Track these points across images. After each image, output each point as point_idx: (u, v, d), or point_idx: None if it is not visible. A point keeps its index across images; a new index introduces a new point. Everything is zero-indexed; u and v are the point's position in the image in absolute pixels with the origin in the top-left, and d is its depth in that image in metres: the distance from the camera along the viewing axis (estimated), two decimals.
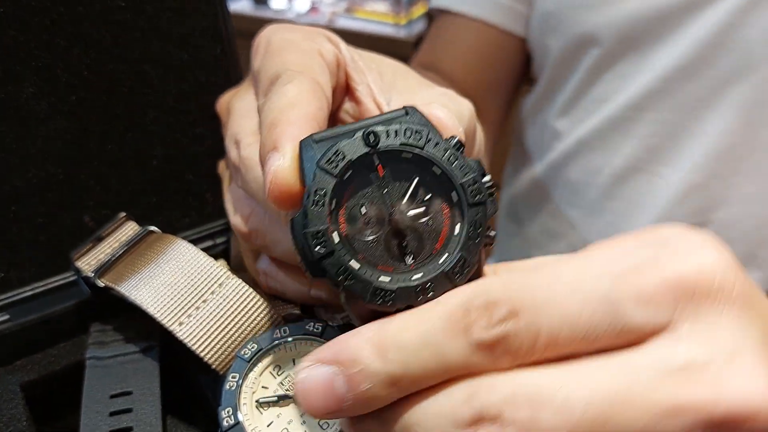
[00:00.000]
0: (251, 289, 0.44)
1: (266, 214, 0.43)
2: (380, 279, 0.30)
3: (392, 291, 0.29)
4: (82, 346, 0.48)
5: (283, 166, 0.32)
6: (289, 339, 0.42)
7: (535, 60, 0.92)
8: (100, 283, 0.47)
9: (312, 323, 0.42)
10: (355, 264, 0.30)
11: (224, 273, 0.44)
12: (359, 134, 0.31)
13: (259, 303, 0.44)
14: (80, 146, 0.52)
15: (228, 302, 0.43)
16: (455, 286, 0.30)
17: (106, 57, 0.51)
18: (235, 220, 0.45)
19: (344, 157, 0.30)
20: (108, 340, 0.47)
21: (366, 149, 0.31)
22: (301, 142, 0.32)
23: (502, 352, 0.27)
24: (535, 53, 0.91)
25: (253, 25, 1.67)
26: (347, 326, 0.44)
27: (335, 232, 0.30)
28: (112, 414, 0.42)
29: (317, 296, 0.44)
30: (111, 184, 0.54)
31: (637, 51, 0.79)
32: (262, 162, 0.34)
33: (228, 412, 0.40)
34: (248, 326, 0.43)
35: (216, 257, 0.48)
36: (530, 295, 0.27)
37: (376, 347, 0.28)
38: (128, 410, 0.43)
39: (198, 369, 0.45)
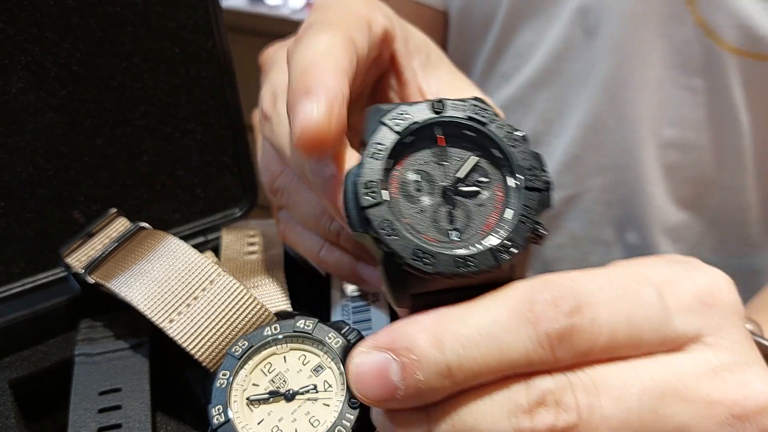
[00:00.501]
0: (242, 287, 0.44)
1: (294, 177, 0.43)
2: (422, 244, 0.29)
3: (433, 254, 0.28)
4: (71, 342, 0.48)
5: (315, 112, 0.32)
6: (280, 336, 0.42)
7: (451, 36, 0.92)
8: (90, 280, 0.46)
9: (303, 321, 0.42)
10: (399, 224, 0.29)
11: (215, 270, 0.44)
12: (427, 102, 0.31)
13: (251, 300, 0.44)
14: (70, 140, 0.51)
15: (219, 299, 0.43)
16: (499, 266, 0.29)
17: (96, 51, 0.51)
18: (265, 175, 0.45)
19: (409, 117, 0.30)
20: (97, 336, 0.47)
21: (432, 114, 0.30)
22: (368, 108, 0.32)
23: (566, 348, 0.27)
24: (452, 29, 0.92)
25: (248, 21, 1.66)
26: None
27: (385, 190, 0.29)
28: (101, 411, 0.42)
29: (326, 258, 0.44)
30: (101, 178, 0.53)
31: (531, 28, 0.82)
32: (291, 108, 0.33)
33: (218, 409, 0.39)
34: (239, 323, 0.43)
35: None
36: (593, 293, 0.28)
37: (433, 336, 0.27)
38: (117, 407, 0.42)
39: (188, 366, 0.45)
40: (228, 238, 0.55)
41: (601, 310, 0.28)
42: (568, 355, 0.27)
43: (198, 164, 0.57)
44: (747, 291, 0.81)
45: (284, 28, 1.54)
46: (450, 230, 0.30)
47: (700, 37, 0.71)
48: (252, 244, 0.55)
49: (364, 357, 0.28)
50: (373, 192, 0.29)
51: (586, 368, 0.28)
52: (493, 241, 0.29)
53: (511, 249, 0.29)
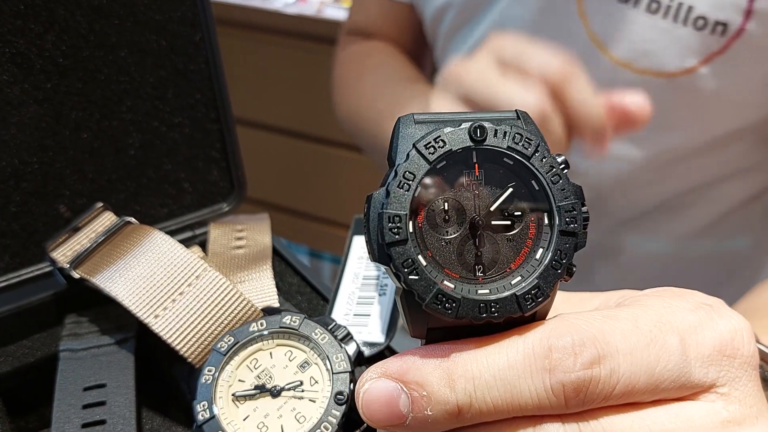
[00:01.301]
0: (229, 282, 0.44)
1: None
2: (444, 283, 0.28)
3: (455, 300, 0.27)
4: (56, 337, 0.48)
5: None
6: (267, 332, 0.42)
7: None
8: (76, 275, 0.46)
9: (290, 316, 0.42)
10: (422, 260, 0.27)
11: (201, 266, 0.44)
12: (466, 125, 0.28)
13: (237, 296, 0.43)
14: (55, 134, 0.51)
15: (205, 295, 0.43)
16: (522, 315, 0.28)
17: (82, 43, 0.50)
18: None
19: (444, 145, 0.28)
20: (83, 332, 0.47)
21: (469, 143, 0.28)
22: (400, 118, 0.30)
23: (581, 398, 0.26)
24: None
25: (239, 14, 1.64)
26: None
27: (411, 221, 0.28)
28: (85, 407, 0.42)
29: None
30: (87, 172, 0.53)
31: (462, 36, 0.83)
32: None
33: (203, 405, 0.39)
34: (225, 319, 0.43)
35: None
36: (616, 342, 0.27)
37: (446, 374, 0.27)
38: (101, 403, 0.42)
39: (174, 362, 0.45)
40: (215, 233, 0.55)
41: (622, 360, 0.27)
42: (582, 404, 0.27)
43: (185, 158, 0.57)
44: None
45: (275, 21, 1.53)
46: (476, 265, 0.28)
47: (592, 49, 0.73)
48: (240, 238, 0.54)
49: (373, 384, 0.28)
50: (398, 227, 0.27)
51: (598, 415, 0.27)
52: (519, 284, 0.28)
53: (538, 298, 0.28)
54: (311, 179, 1.72)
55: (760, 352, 0.38)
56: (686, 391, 0.28)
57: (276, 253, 0.55)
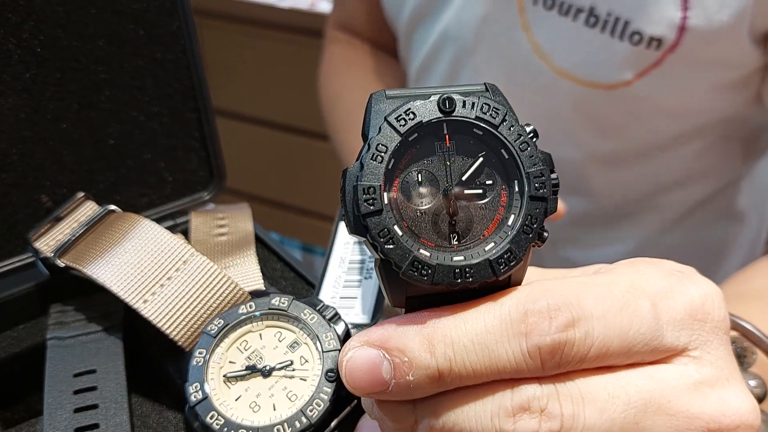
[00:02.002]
0: (216, 266, 0.44)
1: None
2: (420, 251, 0.28)
3: (431, 266, 0.28)
4: (42, 327, 0.48)
5: None
6: (257, 314, 0.42)
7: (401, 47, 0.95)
8: (61, 263, 0.46)
9: (278, 298, 0.43)
10: (398, 230, 0.28)
11: (189, 250, 0.44)
12: (435, 98, 0.29)
13: (225, 279, 0.44)
14: (34, 124, 0.50)
15: (193, 279, 0.43)
16: (497, 279, 0.29)
17: (60, 33, 0.50)
18: None
19: (414, 117, 0.29)
20: (69, 320, 0.47)
21: (439, 114, 0.29)
22: (372, 95, 0.30)
23: (556, 360, 0.27)
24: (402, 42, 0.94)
25: (220, 5, 1.62)
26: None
27: (386, 192, 0.29)
28: (76, 392, 0.42)
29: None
30: (66, 163, 0.52)
31: (417, 40, 0.85)
32: None
33: (195, 387, 0.40)
34: (214, 302, 0.43)
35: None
36: (590, 306, 0.28)
37: (426, 340, 0.28)
38: (93, 388, 0.42)
39: (162, 348, 0.45)
40: (197, 221, 0.55)
41: (596, 324, 0.28)
42: (558, 366, 0.28)
43: (164, 148, 0.57)
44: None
45: (257, 13, 1.52)
46: (450, 233, 0.29)
47: (535, 59, 0.75)
48: (221, 226, 0.55)
49: (356, 352, 0.29)
50: (373, 198, 0.28)
51: (574, 377, 0.28)
52: (492, 249, 0.29)
53: (511, 262, 0.29)
54: (303, 174, 1.72)
55: (740, 327, 0.39)
56: (659, 354, 0.29)
57: (258, 241, 0.56)
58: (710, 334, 0.30)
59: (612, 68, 0.71)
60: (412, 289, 0.29)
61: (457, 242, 0.29)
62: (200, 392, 0.40)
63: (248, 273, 0.48)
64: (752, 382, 0.37)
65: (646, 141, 0.78)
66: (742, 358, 0.38)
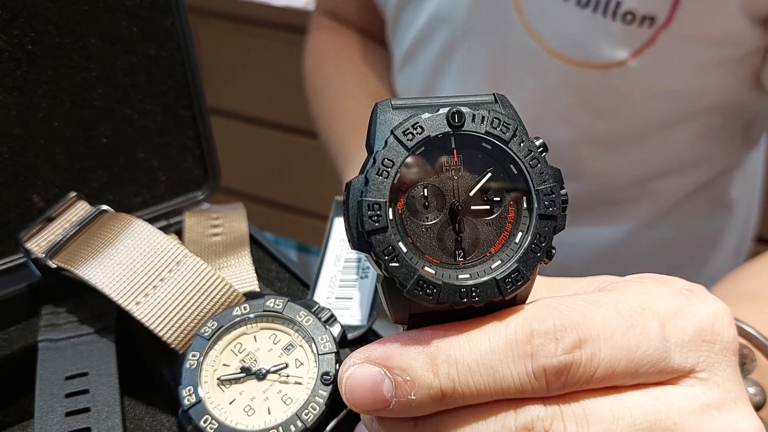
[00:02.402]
0: (210, 267, 0.43)
1: None
2: (425, 269, 0.28)
3: (436, 285, 0.27)
4: (33, 329, 0.47)
5: None
6: (251, 316, 0.42)
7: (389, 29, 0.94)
8: (52, 264, 0.45)
9: (273, 300, 0.42)
10: (402, 246, 0.28)
11: (182, 251, 0.44)
12: (444, 111, 0.28)
13: (219, 281, 0.43)
14: (25, 123, 0.50)
15: (186, 280, 0.43)
16: (503, 298, 0.28)
17: (52, 30, 0.49)
18: None
19: (422, 131, 0.28)
20: (61, 322, 0.46)
21: (447, 128, 0.28)
22: (378, 104, 0.30)
23: (561, 382, 0.27)
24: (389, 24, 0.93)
25: (216, 2, 1.61)
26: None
27: (391, 208, 0.28)
28: (68, 395, 0.41)
29: None
30: (58, 162, 0.52)
31: (406, 19, 0.84)
32: None
33: (189, 390, 0.39)
34: (208, 304, 0.43)
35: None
36: (597, 327, 0.28)
37: (429, 359, 0.27)
38: (85, 391, 0.42)
39: (155, 349, 0.44)
40: (191, 221, 0.54)
41: (603, 345, 0.27)
42: (563, 387, 0.27)
43: (158, 146, 0.56)
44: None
45: (252, 11, 1.52)
46: (456, 250, 0.29)
47: (528, 40, 0.74)
48: (216, 226, 0.54)
49: (357, 369, 0.28)
50: (378, 215, 0.27)
51: (579, 398, 0.28)
52: (499, 268, 0.28)
53: (518, 281, 0.28)
54: (298, 173, 1.71)
55: (745, 332, 0.39)
56: (666, 375, 0.29)
57: (253, 241, 0.55)
58: (718, 355, 0.30)
59: (605, 48, 0.71)
60: (415, 307, 0.29)
61: (462, 259, 0.29)
62: (194, 395, 0.39)
63: (243, 274, 0.48)
64: (751, 390, 0.37)
65: (640, 123, 0.78)
66: (742, 366, 0.38)
